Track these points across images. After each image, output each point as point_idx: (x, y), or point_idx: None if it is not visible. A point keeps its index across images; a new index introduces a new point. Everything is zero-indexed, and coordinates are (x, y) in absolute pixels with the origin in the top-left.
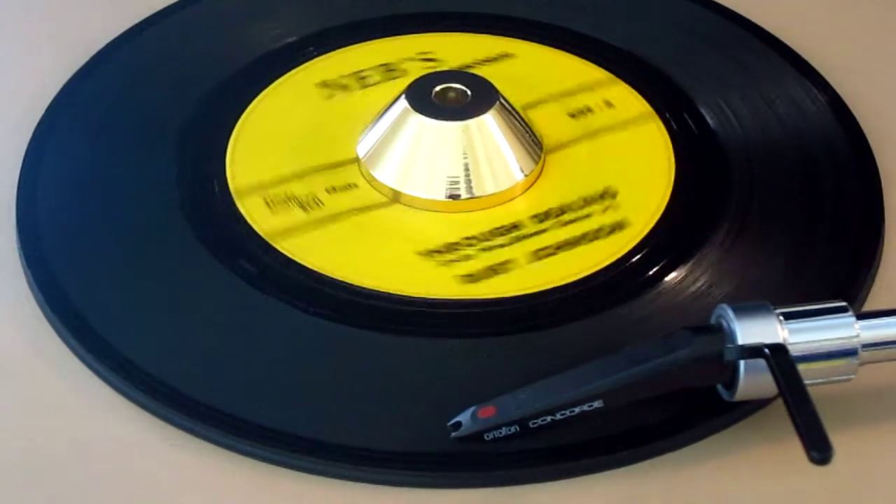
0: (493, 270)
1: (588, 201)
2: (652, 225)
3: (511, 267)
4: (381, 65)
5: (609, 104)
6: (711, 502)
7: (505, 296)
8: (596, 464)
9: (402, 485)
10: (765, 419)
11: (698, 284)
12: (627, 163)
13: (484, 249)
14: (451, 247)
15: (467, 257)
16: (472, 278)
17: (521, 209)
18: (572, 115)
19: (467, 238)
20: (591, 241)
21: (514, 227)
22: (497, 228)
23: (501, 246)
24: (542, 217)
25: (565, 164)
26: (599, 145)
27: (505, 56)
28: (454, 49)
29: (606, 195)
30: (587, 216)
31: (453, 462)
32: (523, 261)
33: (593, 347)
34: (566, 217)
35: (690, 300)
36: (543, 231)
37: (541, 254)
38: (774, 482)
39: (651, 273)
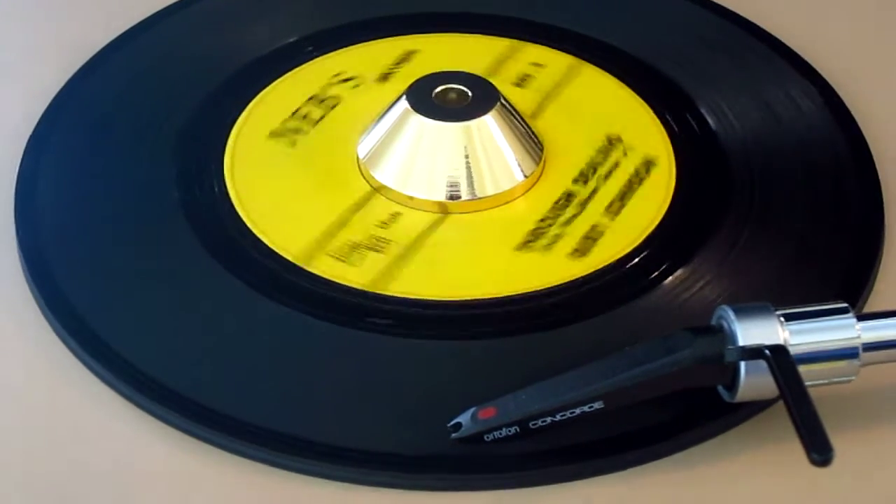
0: (590, 238)
1: (604, 152)
2: (674, 156)
3: (602, 229)
4: (311, 98)
5: (538, 65)
6: None
7: (618, 258)
8: (597, 466)
9: (401, 487)
10: (766, 421)
11: (699, 286)
12: (601, 108)
13: (565, 224)
14: (537, 233)
15: (558, 236)
16: (579, 252)
17: (559, 178)
18: (517, 84)
19: (542, 220)
20: (640, 183)
21: (570, 195)
22: (556, 203)
23: (576, 215)
24: (583, 179)
25: (553, 130)
26: (563, 103)
27: (411, 53)
28: (362, 63)
29: (613, 141)
30: (616, 165)
31: (454, 464)
32: (605, 220)
33: (594, 348)
34: (601, 171)
35: (691, 301)
36: (596, 190)
37: (613, 209)
38: (775, 484)
39: (652, 275)
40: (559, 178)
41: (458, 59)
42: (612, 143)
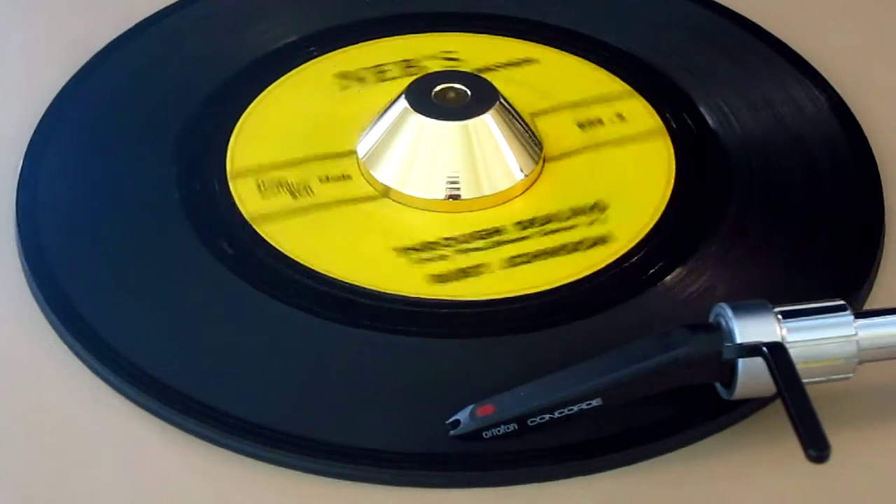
0: (465, 273)
1: (576, 212)
2: (636, 242)
3: (483, 271)
4: (403, 60)
5: (621, 117)
6: (711, 502)
7: (470, 299)
8: (596, 464)
9: (400, 484)
10: (764, 419)
11: (699, 284)
12: (626, 178)
13: (460, 251)
14: (429, 246)
15: (442, 257)
16: (441, 278)
17: (506, 215)
18: (581, 126)
19: (447, 238)
20: (571, 252)
21: (497, 231)
22: (479, 231)
23: (478, 249)
24: (527, 224)
25: (563, 173)
26: (601, 158)
27: (527, 61)
28: (478, 50)
29: (596, 208)
30: (572, 227)
31: (452, 462)
32: (496, 266)
33: (593, 346)
34: (550, 227)
35: (691, 300)
36: (524, 238)
37: (516, 261)
38: (774, 482)
39: (651, 272)
40: (511, 213)
41: (485, 56)
42: (594, 209)
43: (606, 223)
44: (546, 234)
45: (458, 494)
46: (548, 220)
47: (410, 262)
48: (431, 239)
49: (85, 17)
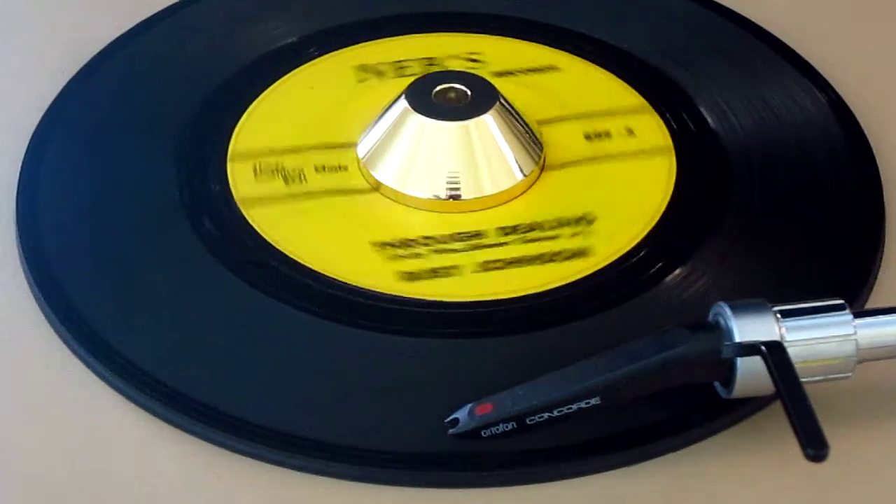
0: (435, 273)
1: (562, 223)
2: (612, 260)
3: (454, 273)
4: (425, 58)
5: (630, 132)
6: (711, 502)
7: (435, 299)
8: (596, 464)
9: (400, 484)
10: (764, 420)
11: (698, 284)
12: (622, 193)
13: (436, 251)
14: (406, 243)
15: (416, 255)
16: (411, 276)
17: (492, 219)
18: (588, 137)
19: (426, 237)
20: (546, 262)
21: (477, 234)
22: (459, 233)
23: (455, 251)
24: (509, 231)
25: (560, 182)
26: (602, 171)
27: (550, 68)
28: (502, 54)
29: (583, 221)
30: (554, 238)
31: (451, 462)
32: (468, 269)
33: (594, 345)
34: (532, 235)
35: (691, 300)
36: (503, 244)
37: (489, 265)
38: (773, 482)
39: (651, 272)
40: (496, 217)
41: (508, 60)
42: (580, 221)
43: (589, 237)
44: (526, 241)
45: (457, 495)
46: (531, 227)
47: (385, 257)
48: (411, 236)
49: (85, 18)
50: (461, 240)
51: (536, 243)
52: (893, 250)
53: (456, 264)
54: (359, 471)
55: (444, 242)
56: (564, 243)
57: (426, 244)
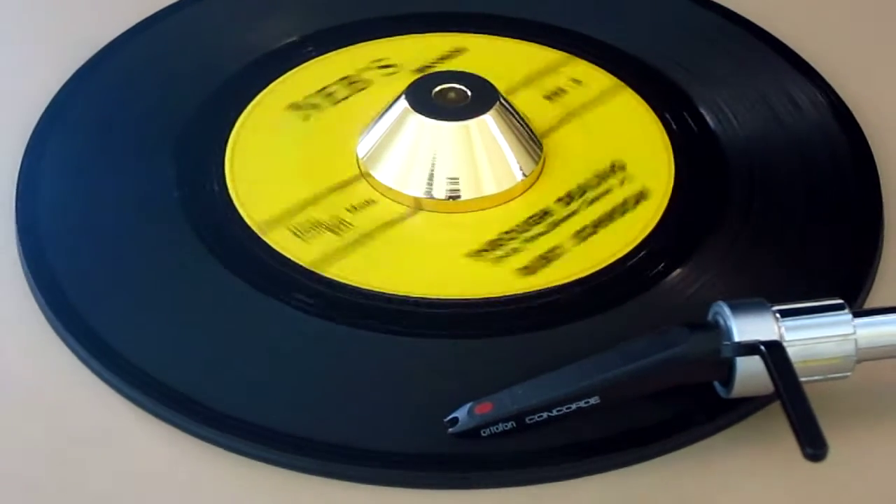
0: (546, 259)
1: (602, 177)
2: (671, 191)
3: (561, 252)
4: (343, 78)
5: (577, 81)
6: (711, 503)
7: (565, 282)
8: (596, 464)
9: (400, 485)
10: (764, 420)
11: (698, 284)
12: (620, 134)
13: (528, 240)
14: (495, 243)
15: (515, 250)
16: (528, 270)
17: (544, 196)
18: (548, 98)
19: (507, 232)
20: (623, 214)
21: (546, 213)
22: (530, 218)
23: (542, 234)
24: (567, 200)
25: (563, 146)
26: (586, 122)
27: (458, 52)
28: (408, 52)
29: (616, 168)
30: (607, 191)
31: (452, 462)
32: (569, 244)
33: (594, 346)
34: (589, 195)
35: (691, 300)
36: (574, 213)
37: (583, 234)
38: (773, 482)
39: (651, 272)
40: (545, 194)
41: (502, 62)
42: (614, 169)
43: (635, 180)
44: (590, 203)
45: (457, 495)
46: (582, 190)
47: (490, 262)
48: (492, 236)
49: (85, 18)
50: (537, 222)
51: (599, 201)
52: (892, 250)
53: (554, 245)
54: (359, 471)
55: (526, 230)
56: (621, 193)
57: (512, 238)
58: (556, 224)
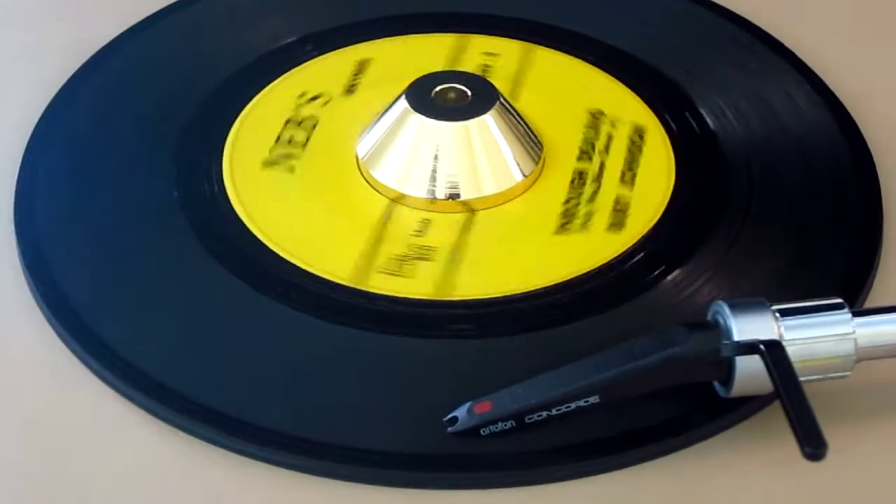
0: (621, 211)
1: (593, 127)
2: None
3: (626, 199)
4: (288, 121)
5: (491, 54)
6: (711, 502)
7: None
8: (596, 464)
9: (400, 485)
10: (764, 420)
11: (698, 284)
12: (571, 86)
13: (590, 200)
14: (567, 215)
15: (590, 214)
16: (616, 226)
17: (562, 160)
18: (484, 71)
19: (566, 202)
20: (640, 150)
21: (581, 173)
22: (572, 183)
23: (596, 191)
24: (586, 156)
25: (531, 114)
26: (533, 87)
27: (365, 62)
28: (320, 80)
29: (598, 115)
30: (610, 137)
31: (452, 463)
32: (626, 190)
33: (594, 346)
34: (599, 145)
35: (691, 299)
36: (602, 164)
37: (627, 178)
38: (774, 482)
39: (651, 272)
40: (562, 160)
41: (412, 61)
42: (595, 117)
43: (620, 119)
44: (606, 151)
45: (457, 495)
46: (590, 143)
47: (578, 232)
48: (558, 209)
49: (85, 18)
50: (582, 183)
51: (614, 146)
52: (892, 249)
53: (615, 195)
54: (359, 471)
55: (580, 192)
56: (625, 133)
57: (577, 204)
58: (598, 178)
